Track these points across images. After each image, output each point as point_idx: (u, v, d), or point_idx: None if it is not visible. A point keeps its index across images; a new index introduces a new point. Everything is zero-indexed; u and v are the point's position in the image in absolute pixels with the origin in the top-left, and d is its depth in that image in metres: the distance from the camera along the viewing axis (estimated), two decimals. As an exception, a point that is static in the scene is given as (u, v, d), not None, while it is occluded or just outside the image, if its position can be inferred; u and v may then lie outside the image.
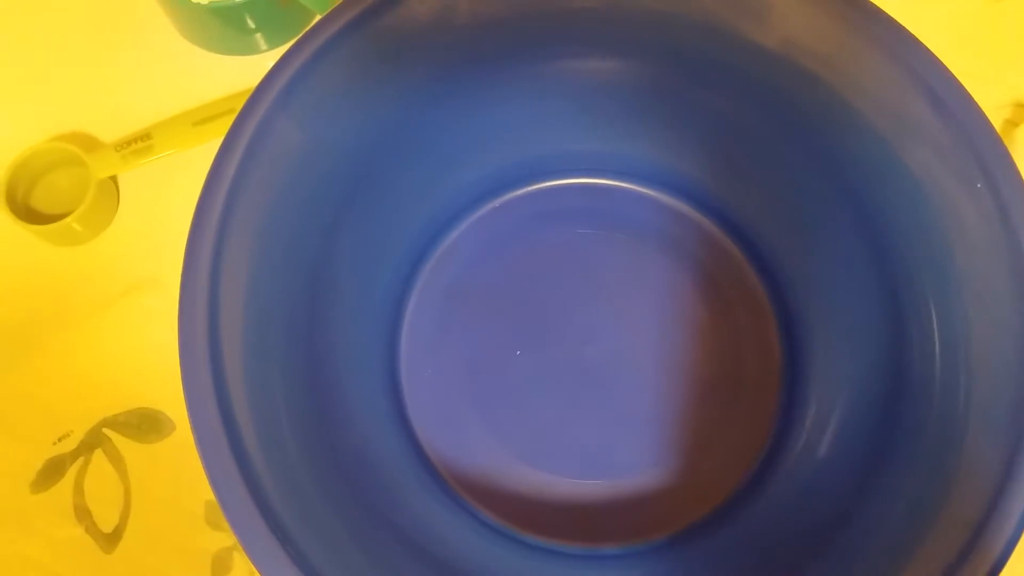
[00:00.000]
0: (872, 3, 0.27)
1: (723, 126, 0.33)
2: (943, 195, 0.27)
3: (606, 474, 0.32)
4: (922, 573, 0.24)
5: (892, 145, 0.28)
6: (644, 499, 0.32)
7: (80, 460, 0.34)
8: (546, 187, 0.36)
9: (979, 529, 0.23)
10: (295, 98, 0.26)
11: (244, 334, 0.25)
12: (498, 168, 0.35)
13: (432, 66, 0.29)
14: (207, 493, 0.23)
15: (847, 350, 0.31)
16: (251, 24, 0.38)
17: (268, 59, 0.37)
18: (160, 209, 0.37)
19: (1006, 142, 0.39)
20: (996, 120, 0.39)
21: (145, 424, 0.35)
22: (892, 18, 0.27)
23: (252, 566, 0.23)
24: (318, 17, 0.37)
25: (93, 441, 0.35)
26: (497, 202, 0.36)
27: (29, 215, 0.36)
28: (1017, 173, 0.26)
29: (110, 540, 0.34)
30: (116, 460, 0.34)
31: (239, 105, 0.26)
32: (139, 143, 0.37)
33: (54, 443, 0.35)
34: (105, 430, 0.35)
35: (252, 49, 0.39)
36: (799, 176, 0.32)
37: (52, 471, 0.34)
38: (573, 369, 0.34)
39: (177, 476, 0.34)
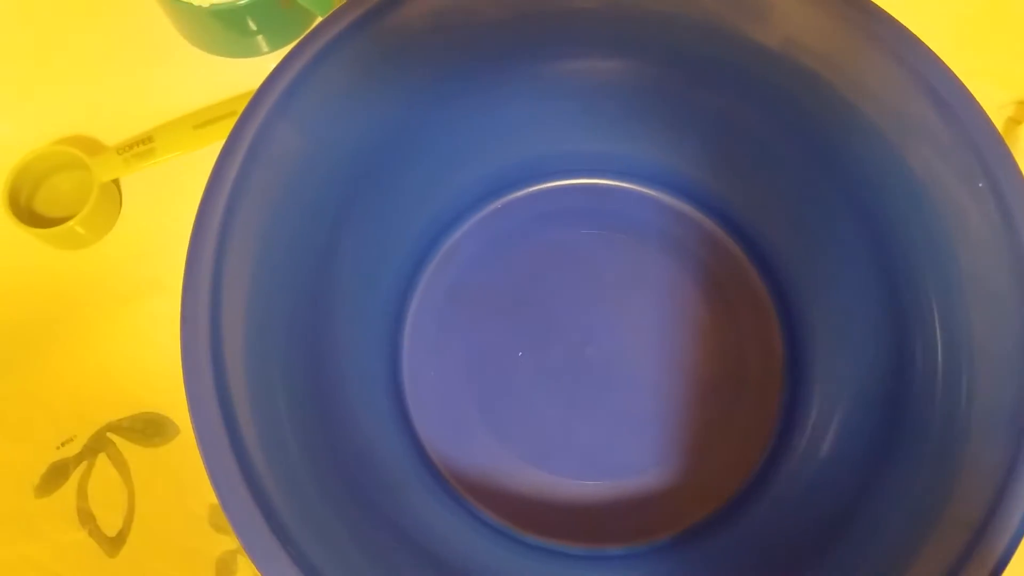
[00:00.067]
0: (873, 2, 0.27)
1: (724, 126, 0.33)
2: (945, 194, 0.27)
3: (608, 474, 0.32)
4: (924, 573, 0.24)
5: (894, 144, 0.28)
6: (646, 499, 0.32)
7: (84, 464, 0.35)
8: (547, 188, 0.36)
9: (981, 530, 0.23)
10: (295, 101, 0.26)
11: (246, 336, 0.25)
12: (499, 169, 0.35)
13: (433, 67, 0.29)
14: (211, 496, 0.23)
15: (849, 350, 0.31)
16: (252, 26, 0.38)
17: (270, 61, 0.37)
18: (163, 212, 0.37)
19: (1009, 140, 0.39)
20: (999, 118, 0.39)
21: (149, 428, 0.35)
22: (893, 17, 0.27)
23: (256, 569, 0.23)
24: (319, 19, 0.37)
25: (97, 445, 0.35)
26: (498, 203, 0.36)
27: (32, 219, 0.37)
28: (1019, 173, 0.26)
29: (114, 544, 0.34)
30: (120, 464, 0.35)
31: (241, 107, 0.26)
32: (141, 146, 0.37)
33: (58, 447, 0.35)
34: (109, 434, 0.35)
35: (254, 51, 0.39)
36: (800, 176, 0.32)
37: (56, 475, 0.34)
38: (575, 369, 0.34)
39: (181, 479, 0.34)
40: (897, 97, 0.27)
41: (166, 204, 0.37)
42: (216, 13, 0.36)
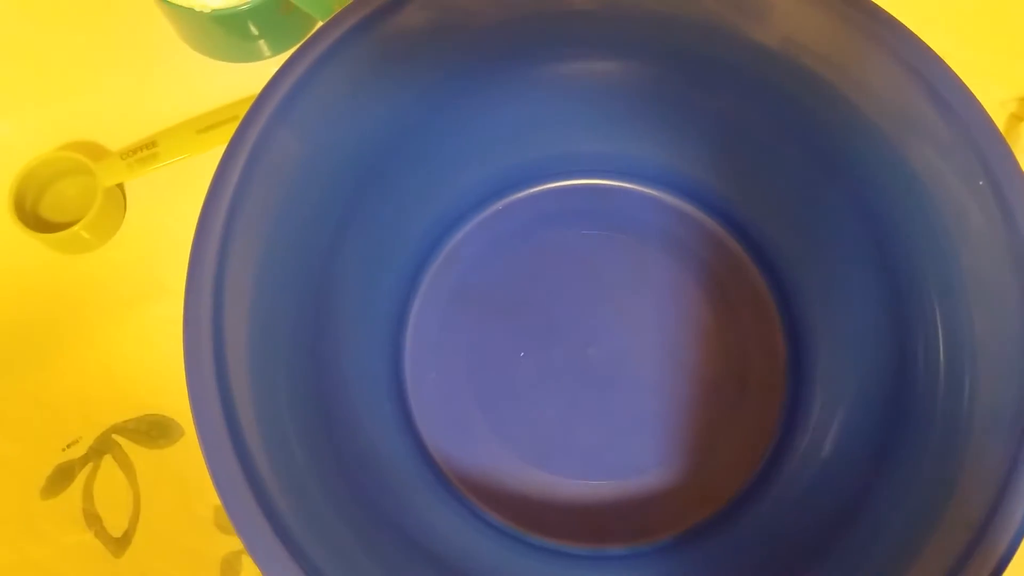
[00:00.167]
0: (873, 1, 0.27)
1: (725, 126, 0.33)
2: (946, 193, 0.27)
3: (610, 475, 0.32)
4: (925, 573, 0.24)
5: (894, 143, 0.28)
6: (648, 499, 0.32)
7: (89, 466, 0.35)
8: (549, 188, 0.36)
9: (982, 530, 0.23)
10: (296, 106, 0.26)
11: (248, 339, 0.25)
12: (501, 170, 0.35)
13: (433, 70, 0.29)
14: (216, 497, 0.23)
15: (851, 349, 0.31)
16: (254, 31, 0.38)
17: (271, 66, 0.38)
18: (167, 216, 0.38)
19: (1012, 137, 0.39)
20: (1002, 115, 0.39)
21: (154, 430, 0.35)
22: (893, 16, 0.27)
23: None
24: (320, 23, 0.37)
25: (102, 447, 0.35)
26: (500, 204, 0.36)
27: (37, 223, 0.37)
28: (1019, 171, 0.26)
29: (119, 545, 0.34)
30: (125, 466, 0.35)
31: (243, 112, 0.26)
32: (145, 151, 0.37)
33: (63, 449, 0.35)
34: (114, 436, 0.35)
35: (255, 56, 0.40)
36: (802, 175, 0.32)
37: (62, 477, 0.35)
38: (578, 370, 0.34)
39: (186, 481, 0.34)
40: (897, 96, 0.27)
41: (170, 208, 0.38)
42: (218, 18, 0.36)
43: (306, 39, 0.27)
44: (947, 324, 0.27)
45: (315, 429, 0.27)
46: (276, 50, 0.40)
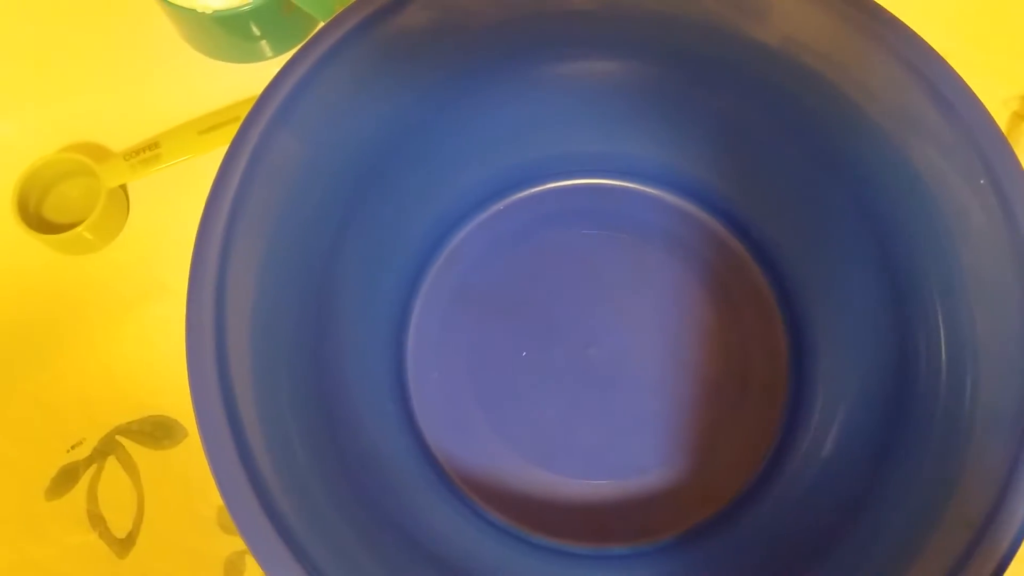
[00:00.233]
0: (874, 0, 0.27)
1: (726, 125, 0.33)
2: (947, 192, 0.27)
3: (612, 474, 0.32)
4: (926, 572, 0.24)
5: (895, 143, 0.28)
6: (650, 499, 0.32)
7: (93, 467, 0.35)
8: (550, 188, 0.36)
9: (983, 529, 0.23)
10: (297, 107, 0.26)
11: (250, 340, 0.25)
12: (502, 170, 0.35)
13: (434, 71, 0.30)
14: (219, 498, 0.23)
15: (853, 348, 0.31)
16: (256, 31, 0.38)
17: (273, 66, 0.37)
18: (170, 217, 0.38)
19: (1014, 135, 0.39)
20: (1004, 113, 0.39)
21: (158, 431, 0.35)
22: (893, 15, 0.27)
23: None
24: (321, 24, 0.37)
25: (106, 448, 0.35)
26: (502, 204, 0.36)
27: (41, 225, 0.37)
28: (1021, 170, 0.26)
29: (124, 546, 0.34)
30: (129, 467, 0.35)
31: (245, 112, 0.26)
32: (147, 152, 0.37)
33: (68, 450, 0.35)
34: (118, 437, 0.35)
35: (257, 56, 0.40)
36: (803, 175, 0.32)
37: (66, 478, 0.35)
38: (579, 370, 0.34)
39: (189, 482, 0.35)
40: (898, 95, 0.27)
41: (173, 209, 0.38)
42: (219, 19, 0.36)
43: (308, 39, 0.27)
44: (948, 323, 0.27)
45: (317, 429, 0.27)
46: (278, 50, 0.40)
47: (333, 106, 0.28)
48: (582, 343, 0.34)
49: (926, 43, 0.27)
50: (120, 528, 0.34)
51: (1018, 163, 0.26)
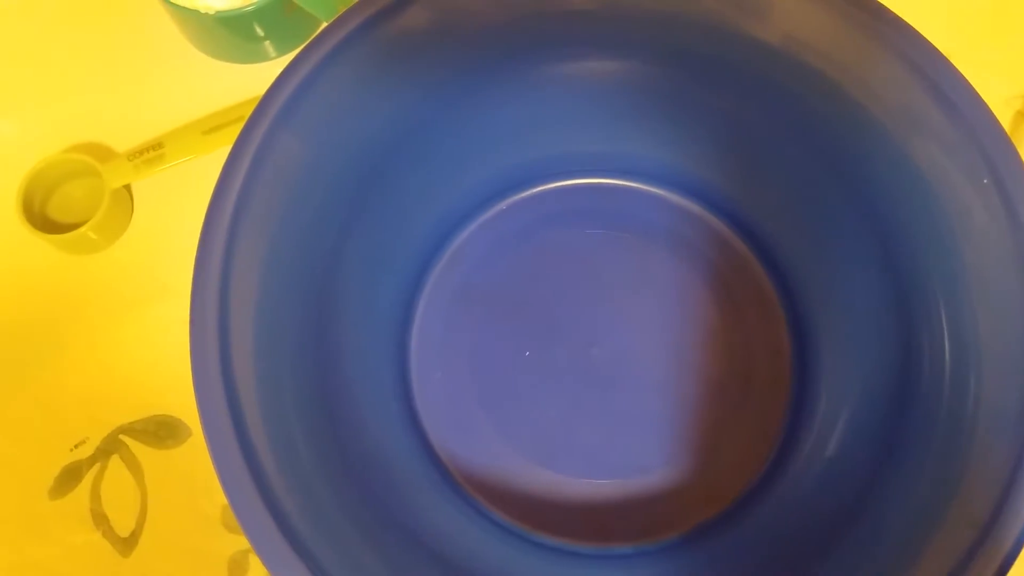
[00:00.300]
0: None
1: (728, 125, 0.33)
2: (950, 191, 0.27)
3: (616, 474, 0.33)
4: (929, 572, 0.23)
5: (898, 141, 0.28)
6: (654, 499, 0.32)
7: (97, 466, 0.35)
8: (553, 188, 0.36)
9: (986, 529, 0.23)
10: (300, 108, 0.26)
11: (254, 340, 0.25)
12: (505, 170, 0.35)
13: (436, 71, 0.30)
14: (223, 497, 0.23)
15: (857, 348, 0.31)
16: (259, 32, 0.38)
17: (277, 66, 0.37)
18: (174, 217, 0.38)
19: (1017, 134, 0.39)
20: (1008, 112, 0.39)
21: (162, 430, 0.35)
22: (895, 14, 0.27)
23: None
24: (324, 24, 0.37)
25: (110, 447, 0.35)
26: (504, 204, 0.36)
27: (45, 225, 0.37)
28: (1023, 169, 0.26)
29: (127, 545, 0.34)
30: (133, 466, 0.35)
31: (248, 113, 0.26)
32: (151, 152, 0.37)
33: (71, 449, 0.35)
34: (122, 436, 0.35)
35: (261, 57, 0.40)
36: (806, 174, 0.32)
37: (69, 477, 0.35)
38: (582, 369, 0.34)
39: (193, 481, 0.35)
40: (901, 94, 0.27)
41: (177, 209, 0.38)
42: (223, 19, 0.36)
43: (309, 41, 0.27)
44: (951, 322, 0.27)
45: (321, 429, 0.27)
46: (281, 51, 0.40)
47: (336, 106, 0.28)
48: (585, 343, 0.34)
49: (929, 42, 0.27)
50: (123, 527, 0.34)
51: (1021, 162, 0.26)
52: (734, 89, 0.31)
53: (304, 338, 0.28)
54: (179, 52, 0.40)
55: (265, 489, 0.23)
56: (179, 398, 0.36)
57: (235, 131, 0.33)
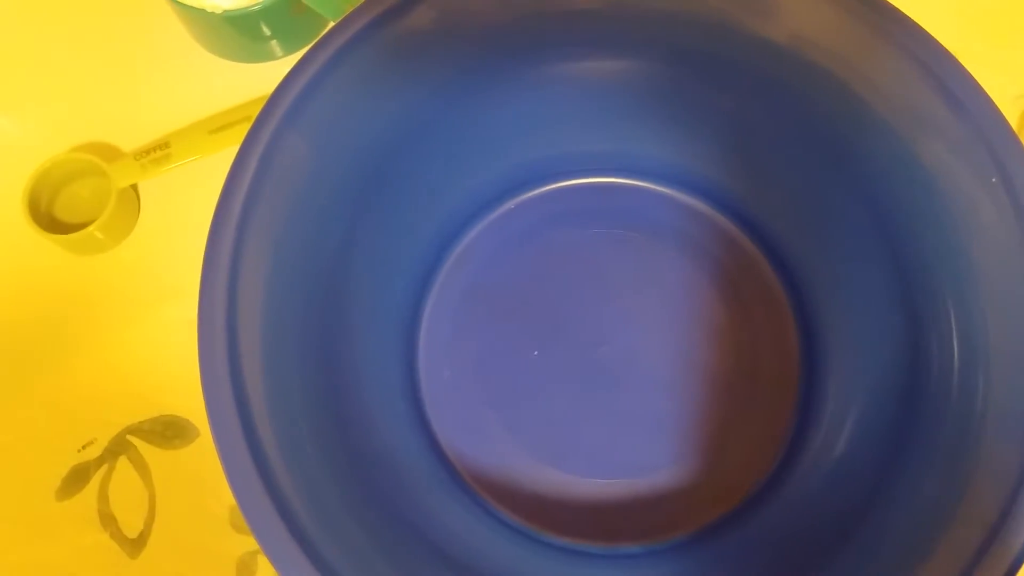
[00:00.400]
0: (880, -2, 0.27)
1: (735, 123, 0.33)
2: (957, 190, 0.27)
3: (624, 473, 0.33)
4: (938, 572, 0.23)
5: (905, 140, 0.28)
6: (662, 498, 0.32)
7: (104, 467, 0.35)
8: (560, 187, 0.36)
9: (996, 529, 0.23)
10: (307, 107, 0.26)
11: (262, 340, 0.25)
12: (511, 169, 0.35)
13: (442, 70, 0.30)
14: (231, 497, 0.23)
15: (865, 348, 0.31)
16: (266, 31, 0.38)
17: (284, 66, 0.38)
18: (181, 216, 0.38)
19: (1025, 133, 0.39)
20: (1015, 110, 0.39)
21: (169, 431, 0.35)
22: (902, 12, 0.27)
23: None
24: (331, 23, 0.37)
25: (117, 448, 0.35)
26: (511, 203, 0.36)
27: (52, 225, 0.37)
28: (1031, 167, 0.26)
29: (135, 545, 0.34)
30: (140, 466, 0.35)
31: (255, 112, 0.26)
32: (158, 152, 0.37)
33: (79, 450, 0.35)
34: (129, 437, 0.35)
35: (268, 56, 0.40)
36: (813, 173, 0.32)
37: (77, 478, 0.35)
38: (590, 369, 0.34)
39: (201, 481, 0.35)
40: (908, 93, 0.27)
41: (184, 208, 0.38)
42: (230, 19, 0.36)
43: (316, 41, 0.27)
44: (960, 321, 0.27)
45: (329, 428, 0.27)
46: (288, 50, 0.40)
47: (342, 106, 0.28)
48: (592, 342, 0.34)
49: (935, 40, 0.27)
50: (131, 528, 0.34)
51: (1029, 160, 0.26)
52: (739, 88, 0.31)
53: (311, 338, 0.28)
54: (186, 51, 0.40)
55: (273, 489, 0.23)
56: (186, 398, 0.36)
57: (242, 131, 0.33)
